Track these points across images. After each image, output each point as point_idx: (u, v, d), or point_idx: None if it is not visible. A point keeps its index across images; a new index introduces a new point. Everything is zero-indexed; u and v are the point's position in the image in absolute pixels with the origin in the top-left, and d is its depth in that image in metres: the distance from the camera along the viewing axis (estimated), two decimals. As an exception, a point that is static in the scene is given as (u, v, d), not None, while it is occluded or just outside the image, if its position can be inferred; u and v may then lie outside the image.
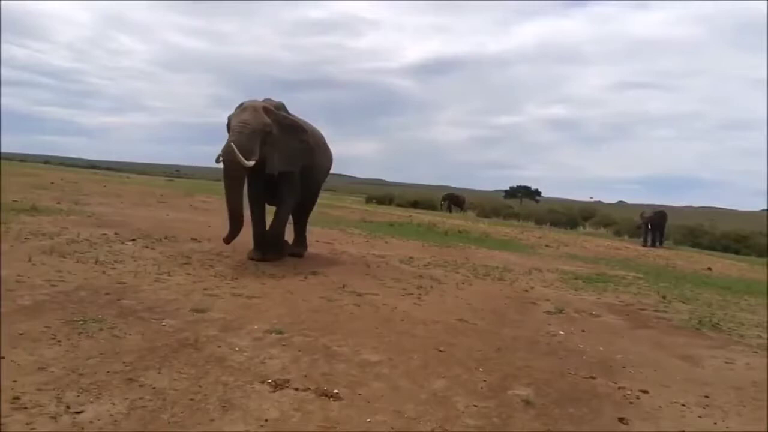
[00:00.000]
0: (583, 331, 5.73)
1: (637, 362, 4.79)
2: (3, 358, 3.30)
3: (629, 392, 4.01)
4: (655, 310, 7.27)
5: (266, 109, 7.35)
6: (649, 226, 20.08)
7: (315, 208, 9.47)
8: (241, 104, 7.45)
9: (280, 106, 7.79)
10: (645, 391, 4.05)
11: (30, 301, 4.46)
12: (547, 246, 15.97)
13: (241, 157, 6.69)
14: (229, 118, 7.33)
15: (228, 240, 7.16)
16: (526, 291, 7.77)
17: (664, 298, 8.29)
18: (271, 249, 7.62)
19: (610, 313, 6.83)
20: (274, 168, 7.35)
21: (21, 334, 3.73)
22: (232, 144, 6.74)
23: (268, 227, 7.78)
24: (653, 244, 19.83)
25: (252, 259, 7.41)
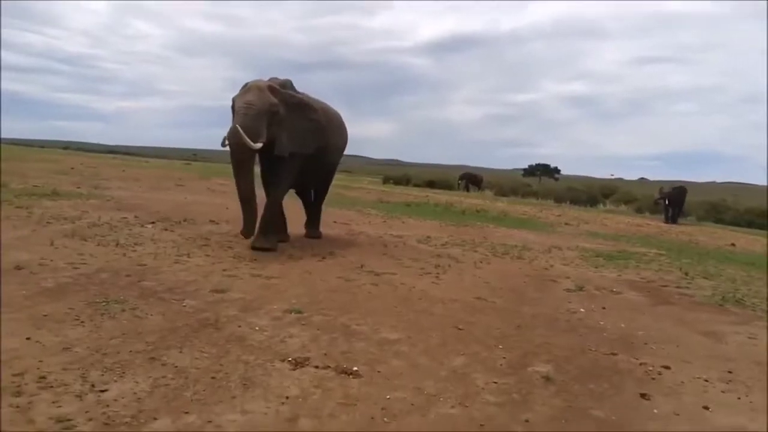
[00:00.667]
0: (604, 308, 5.68)
1: (659, 338, 4.74)
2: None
3: (651, 368, 3.98)
4: (678, 287, 7.18)
5: (272, 89, 7.00)
6: (667, 202, 19.75)
7: (330, 189, 9.36)
8: (245, 84, 7.12)
9: (287, 84, 7.43)
10: (667, 367, 4.01)
11: (53, 284, 4.53)
12: (566, 224, 15.82)
13: (247, 139, 6.38)
14: (234, 100, 7.01)
15: (246, 233, 6.83)
16: (546, 269, 7.72)
17: (686, 274, 8.18)
18: (263, 238, 6.96)
19: (631, 289, 6.76)
20: (284, 149, 7.02)
21: (45, 315, 3.79)
22: (237, 126, 6.42)
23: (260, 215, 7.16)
24: (673, 221, 19.52)
25: (253, 247, 6.83)
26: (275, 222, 7.37)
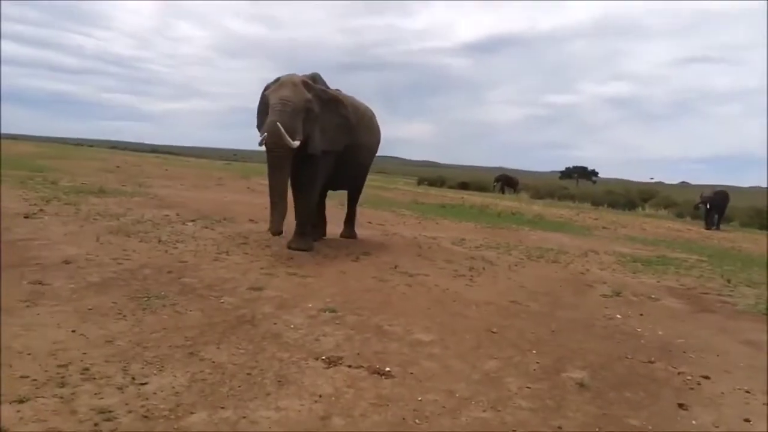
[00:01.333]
0: (642, 314, 5.57)
1: (699, 347, 4.62)
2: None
3: (690, 378, 3.88)
4: (719, 294, 6.97)
5: (306, 84, 6.79)
6: (708, 206, 18.93)
7: (364, 190, 9.34)
8: (278, 79, 6.90)
9: (317, 78, 7.17)
10: (707, 377, 3.91)
11: (98, 278, 4.70)
12: (603, 228, 15.53)
13: (287, 136, 6.18)
14: (265, 95, 6.79)
15: (275, 229, 6.57)
16: (582, 273, 7.60)
17: (728, 281, 7.94)
18: (298, 239, 7.03)
19: (670, 296, 6.60)
20: (317, 147, 6.83)
21: (90, 309, 3.94)
22: (277, 123, 6.18)
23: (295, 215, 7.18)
24: (716, 226, 18.84)
25: (289, 247, 6.90)
26: (310, 222, 7.31)
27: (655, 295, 6.56)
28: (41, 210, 7.50)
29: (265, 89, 6.96)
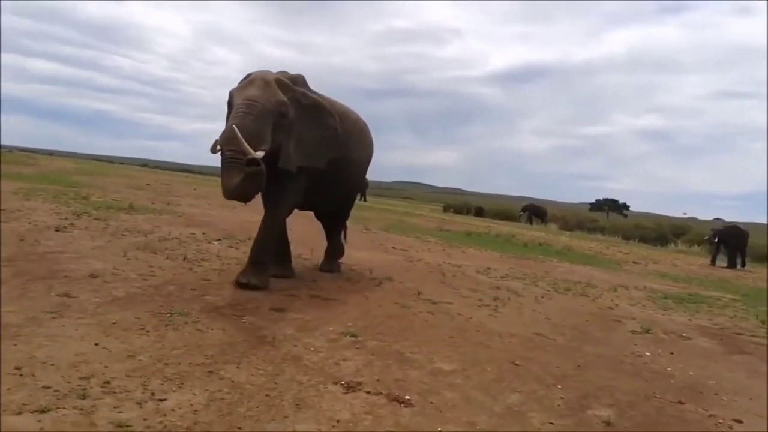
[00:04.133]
0: (672, 353, 5.38)
1: (731, 389, 4.44)
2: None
3: (721, 421, 3.72)
4: (753, 335, 6.72)
5: (281, 83, 5.61)
6: (717, 240, 17.88)
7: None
8: (248, 75, 5.74)
9: (299, 80, 6.01)
10: (739, 421, 3.74)
11: (123, 293, 4.74)
12: (634, 263, 15.21)
13: (245, 144, 4.87)
14: (232, 94, 5.58)
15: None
16: (611, 308, 7.41)
17: (763, 322, 7.65)
18: (252, 271, 5.55)
19: (702, 335, 6.39)
20: (290, 162, 5.65)
21: (114, 323, 3.97)
22: (234, 127, 4.92)
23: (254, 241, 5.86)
24: (730, 265, 17.55)
25: (238, 283, 5.47)
26: (270, 251, 5.84)
27: (687, 333, 6.36)
28: (72, 224, 7.65)
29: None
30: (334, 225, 7.49)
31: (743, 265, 17.93)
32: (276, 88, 5.51)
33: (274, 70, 5.94)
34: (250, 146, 4.92)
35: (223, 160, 5.09)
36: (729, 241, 17.91)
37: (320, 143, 5.95)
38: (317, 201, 6.74)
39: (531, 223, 32.70)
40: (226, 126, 5.25)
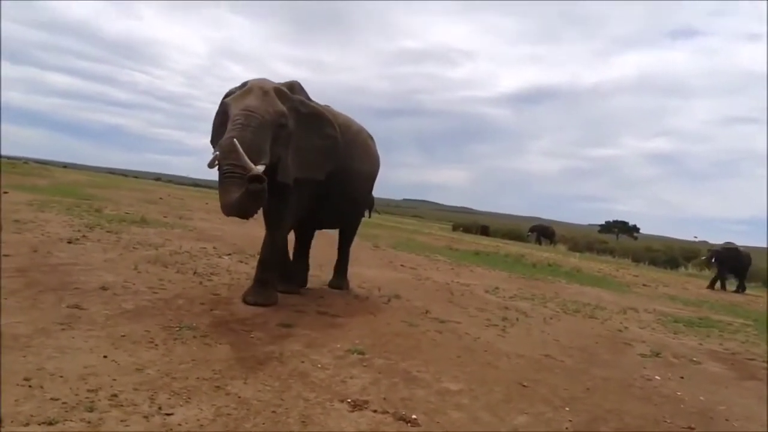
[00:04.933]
0: (682, 377, 5.32)
1: (742, 415, 4.38)
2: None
3: (734, 449, 3.66)
4: (765, 361, 6.62)
5: (280, 93, 5.38)
6: (714, 260, 17.44)
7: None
8: (245, 84, 5.46)
9: (295, 87, 5.76)
10: (752, 450, 3.68)
11: (133, 306, 4.77)
12: (644, 285, 15.08)
13: (245, 158, 4.61)
14: (226, 103, 5.29)
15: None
16: (620, 331, 7.34)
17: (776, 349, 7.55)
18: (258, 290, 5.58)
19: (712, 360, 6.31)
20: (288, 174, 5.40)
21: (123, 336, 3.99)
22: (234, 141, 4.66)
23: (259, 258, 5.77)
24: (722, 287, 17.14)
25: (245, 302, 5.47)
26: (276, 269, 5.81)
27: (697, 358, 6.28)
28: (84, 236, 7.73)
29: (227, 95, 5.56)
30: (341, 242, 7.36)
31: (743, 288, 17.35)
32: (275, 98, 5.27)
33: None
34: (250, 160, 4.67)
35: (221, 174, 4.82)
36: (725, 262, 17.42)
37: (319, 153, 5.72)
38: (322, 217, 6.52)
39: (540, 243, 32.68)
40: (223, 138, 4.89)
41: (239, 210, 4.80)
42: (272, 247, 5.72)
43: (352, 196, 6.71)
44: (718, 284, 17.30)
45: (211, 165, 4.96)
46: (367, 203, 7.56)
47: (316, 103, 5.96)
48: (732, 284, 17.67)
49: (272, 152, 5.08)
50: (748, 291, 17.38)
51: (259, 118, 4.98)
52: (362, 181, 6.90)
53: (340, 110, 6.54)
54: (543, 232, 35.19)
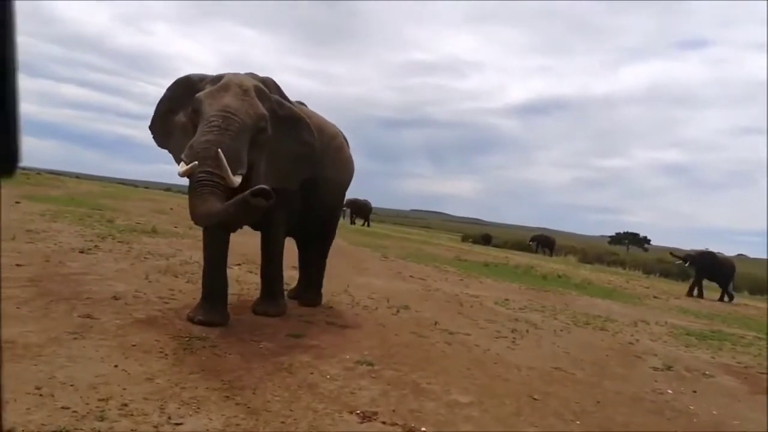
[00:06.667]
0: (695, 391, 5.26)
1: (756, 430, 4.32)
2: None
3: (748, 464, 3.61)
4: (780, 376, 6.54)
5: (260, 92, 4.80)
6: (687, 264, 16.79)
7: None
8: (219, 78, 4.78)
9: (271, 84, 5.16)
10: (767, 465, 3.63)
11: (144, 315, 4.80)
12: (655, 297, 14.93)
13: (227, 168, 4.20)
14: (199, 99, 4.56)
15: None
16: (631, 343, 7.28)
17: (790, 362, 7.45)
18: (267, 301, 5.55)
19: (725, 374, 6.23)
20: (261, 183, 4.53)
21: (134, 345, 4.01)
22: (217, 150, 4.18)
23: (263, 274, 5.60)
24: (699, 294, 16.45)
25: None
26: (281, 279, 5.76)
27: (710, 371, 6.21)
28: (96, 246, 7.79)
29: (190, 81, 5.00)
30: (312, 254, 6.59)
31: (728, 297, 16.56)
32: (255, 98, 4.69)
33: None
34: (230, 169, 4.23)
35: (194, 181, 4.28)
36: (701, 268, 16.78)
37: (295, 162, 5.15)
38: (293, 227, 5.88)
39: (543, 253, 33.13)
40: (196, 140, 4.34)
41: (226, 221, 4.37)
42: (275, 261, 5.53)
43: (328, 203, 6.22)
44: (696, 291, 16.70)
45: (184, 173, 4.31)
46: (338, 214, 6.98)
47: (293, 104, 5.41)
48: (713, 293, 17.13)
49: (249, 159, 4.56)
50: (736, 300, 16.67)
51: (239, 121, 4.43)
52: (338, 189, 6.44)
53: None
54: (544, 242, 36.19)
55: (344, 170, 6.45)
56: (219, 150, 4.17)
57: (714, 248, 17.95)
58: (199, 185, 4.24)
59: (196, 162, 4.22)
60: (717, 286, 16.97)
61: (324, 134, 5.83)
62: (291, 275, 7.92)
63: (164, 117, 5.11)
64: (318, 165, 5.47)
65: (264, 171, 4.82)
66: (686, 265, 17.27)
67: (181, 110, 4.94)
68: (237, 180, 4.31)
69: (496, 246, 34.62)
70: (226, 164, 4.17)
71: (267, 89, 4.98)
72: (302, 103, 5.91)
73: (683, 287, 19.82)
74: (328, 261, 6.83)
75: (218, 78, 4.76)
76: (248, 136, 4.52)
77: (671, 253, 18.70)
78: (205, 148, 4.24)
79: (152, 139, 5.21)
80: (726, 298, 16.53)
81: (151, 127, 5.20)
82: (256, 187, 4.13)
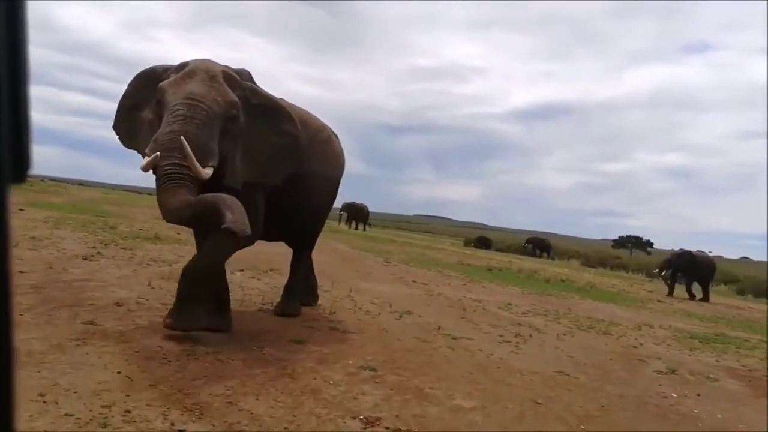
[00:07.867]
0: (699, 395, 5.24)
1: (763, 435, 4.30)
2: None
3: (753, 468, 3.59)
4: (785, 379, 6.50)
5: (229, 78, 4.42)
6: (669, 269, 16.64)
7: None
8: (184, 64, 4.40)
9: (245, 75, 4.75)
10: (773, 469, 3.61)
11: (147, 322, 4.81)
12: (659, 301, 14.89)
13: (194, 158, 3.90)
14: (163, 89, 4.19)
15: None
16: (635, 347, 7.25)
17: (795, 366, 7.41)
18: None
19: (730, 377, 6.20)
20: (236, 178, 4.47)
21: (137, 351, 4.01)
22: (182, 138, 3.87)
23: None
24: (670, 292, 16.39)
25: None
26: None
27: (714, 375, 6.18)
28: (99, 253, 7.81)
29: (155, 73, 4.61)
30: (295, 256, 6.30)
31: (704, 297, 16.47)
32: (224, 85, 4.31)
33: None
34: (198, 162, 3.94)
35: (160, 175, 3.98)
36: (685, 270, 16.74)
37: (275, 154, 4.77)
38: (275, 227, 5.42)
39: (539, 256, 33.59)
40: (160, 132, 4.04)
41: (202, 213, 4.03)
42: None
43: (314, 202, 5.79)
44: (669, 290, 16.62)
45: (147, 167, 4.03)
46: (324, 214, 6.55)
47: (269, 94, 4.95)
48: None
49: (220, 150, 4.21)
50: (702, 297, 16.45)
51: (206, 109, 4.09)
52: (326, 186, 6.01)
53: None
54: (539, 245, 36.85)
55: (333, 165, 6.09)
56: (182, 138, 3.86)
57: (716, 251, 17.83)
58: (165, 179, 3.96)
59: (159, 153, 3.93)
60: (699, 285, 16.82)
61: (308, 126, 5.51)
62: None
63: (128, 114, 4.74)
64: (304, 158, 5.13)
65: (240, 164, 4.51)
66: (667, 271, 16.90)
67: (146, 106, 4.55)
68: (207, 172, 4.02)
69: (499, 250, 34.67)
70: (192, 155, 3.87)
71: (239, 77, 4.59)
72: (282, 99, 5.35)
73: (685, 290, 19.74)
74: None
75: (183, 65, 4.39)
76: (217, 125, 4.18)
77: (656, 271, 18.36)
78: (170, 140, 3.93)
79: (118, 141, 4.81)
80: (699, 297, 16.41)
81: (114, 127, 4.81)
82: (227, 226, 3.84)
